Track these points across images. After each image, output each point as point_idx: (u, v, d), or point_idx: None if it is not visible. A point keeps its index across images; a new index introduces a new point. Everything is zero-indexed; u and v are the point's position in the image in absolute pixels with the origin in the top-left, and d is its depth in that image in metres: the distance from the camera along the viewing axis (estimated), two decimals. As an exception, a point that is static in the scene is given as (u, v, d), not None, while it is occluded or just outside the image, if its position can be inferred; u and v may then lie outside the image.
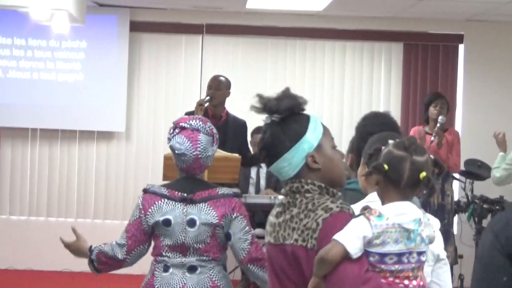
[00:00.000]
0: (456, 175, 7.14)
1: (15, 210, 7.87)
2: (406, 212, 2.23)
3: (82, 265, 8.08)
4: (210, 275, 3.25)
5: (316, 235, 2.21)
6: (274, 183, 7.26)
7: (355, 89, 7.93)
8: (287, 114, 2.39)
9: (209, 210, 3.25)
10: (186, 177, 3.34)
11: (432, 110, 6.77)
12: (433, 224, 2.57)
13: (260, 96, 2.47)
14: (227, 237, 3.28)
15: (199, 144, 3.27)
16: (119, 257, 3.40)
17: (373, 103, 7.93)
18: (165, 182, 3.43)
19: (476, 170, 7.16)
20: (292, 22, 7.83)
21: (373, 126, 2.95)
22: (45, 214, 7.86)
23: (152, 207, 3.28)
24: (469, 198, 7.09)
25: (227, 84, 6.32)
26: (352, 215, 2.24)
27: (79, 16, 6.40)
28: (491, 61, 7.87)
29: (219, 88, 6.22)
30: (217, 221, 3.23)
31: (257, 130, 7.31)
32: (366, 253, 2.16)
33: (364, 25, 7.84)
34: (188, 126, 3.31)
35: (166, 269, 3.28)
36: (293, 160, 2.34)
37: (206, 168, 3.36)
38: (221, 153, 5.27)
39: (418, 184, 2.28)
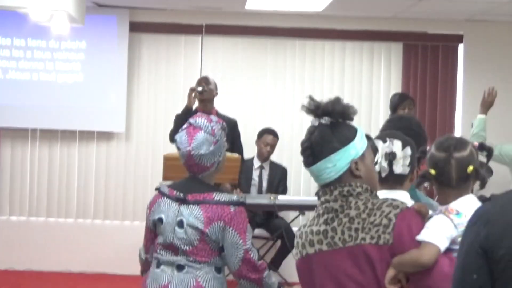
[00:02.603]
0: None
1: (15, 210, 7.87)
2: (474, 205, 2.25)
3: (82, 265, 8.11)
4: (197, 275, 3.24)
5: (390, 230, 2.22)
6: (275, 188, 7.27)
7: (355, 89, 7.93)
8: (338, 119, 2.37)
9: (198, 213, 3.23)
10: (190, 178, 3.35)
11: (401, 113, 6.73)
12: None
13: (312, 98, 2.41)
14: (222, 248, 3.26)
15: (194, 140, 3.26)
16: (143, 257, 3.52)
17: (373, 103, 7.94)
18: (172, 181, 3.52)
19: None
20: (291, 23, 7.83)
21: (396, 129, 2.99)
22: (45, 215, 7.85)
23: (154, 206, 3.35)
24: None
25: (215, 84, 6.56)
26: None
27: (78, 17, 6.40)
28: (491, 61, 7.87)
29: (208, 83, 6.46)
30: (202, 227, 3.21)
31: (265, 131, 7.34)
32: (451, 251, 2.20)
33: (364, 26, 7.84)
34: (193, 122, 3.33)
35: (158, 265, 3.33)
36: (338, 162, 2.33)
37: (205, 169, 3.30)
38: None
39: (469, 178, 2.32)
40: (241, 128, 7.49)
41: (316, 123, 2.38)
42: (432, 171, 2.35)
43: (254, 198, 6.85)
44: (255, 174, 7.33)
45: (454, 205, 2.28)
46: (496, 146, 5.98)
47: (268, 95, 7.86)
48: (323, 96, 8.44)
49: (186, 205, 3.25)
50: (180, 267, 3.26)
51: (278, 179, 7.32)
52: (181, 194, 3.27)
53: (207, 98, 6.41)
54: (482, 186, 2.38)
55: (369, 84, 7.94)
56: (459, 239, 2.15)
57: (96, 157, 7.87)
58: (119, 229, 7.81)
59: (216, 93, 6.54)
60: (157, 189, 3.42)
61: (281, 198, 6.71)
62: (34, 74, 7.72)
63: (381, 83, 7.96)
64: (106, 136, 7.85)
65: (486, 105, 6.13)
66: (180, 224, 3.24)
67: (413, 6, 7.07)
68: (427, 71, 7.90)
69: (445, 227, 2.19)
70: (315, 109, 2.39)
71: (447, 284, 2.07)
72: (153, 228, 3.37)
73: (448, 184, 2.34)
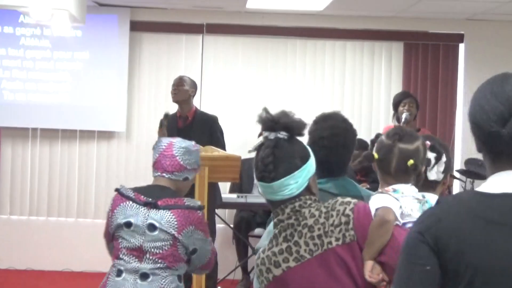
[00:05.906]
0: (457, 175, 7.15)
1: (15, 210, 7.87)
2: (411, 189, 2.37)
3: (82, 265, 8.10)
4: (162, 284, 3.21)
5: (351, 226, 2.23)
6: None
7: (356, 89, 7.93)
8: (295, 134, 2.36)
9: (171, 218, 3.21)
10: (155, 185, 3.33)
11: (401, 110, 6.74)
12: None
13: (267, 111, 2.37)
14: (192, 251, 3.28)
15: (177, 139, 3.35)
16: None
17: (373, 102, 7.94)
18: (136, 186, 3.40)
19: (477, 169, 7.15)
20: (292, 22, 7.82)
21: (323, 129, 2.96)
22: (46, 214, 7.85)
23: (118, 208, 3.28)
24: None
25: (191, 83, 6.51)
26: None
27: (79, 16, 6.39)
28: (491, 60, 7.86)
29: (181, 84, 6.44)
30: (176, 232, 3.21)
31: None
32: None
33: (365, 25, 7.84)
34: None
35: (119, 273, 3.25)
36: (300, 179, 2.32)
37: (177, 167, 3.31)
38: (221, 152, 5.28)
39: (408, 171, 2.37)
40: (241, 128, 7.48)
41: (273, 137, 2.33)
42: (375, 155, 2.41)
43: (255, 197, 6.86)
44: (257, 174, 7.31)
45: (390, 186, 2.35)
46: None
47: (268, 94, 7.85)
48: (324, 96, 8.42)
49: (156, 210, 3.22)
50: (144, 276, 3.20)
51: None
52: (150, 199, 3.24)
53: (181, 100, 6.39)
54: (417, 182, 2.43)
55: (369, 83, 7.93)
56: (405, 211, 2.26)
57: (96, 156, 7.87)
58: (120, 228, 7.81)
59: (192, 92, 6.46)
60: (117, 190, 3.35)
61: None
62: (35, 73, 7.72)
63: (381, 82, 7.96)
64: (106, 135, 7.85)
65: None
66: (151, 227, 3.21)
67: (414, 5, 7.07)
68: (428, 70, 7.89)
69: (388, 200, 2.26)
70: (272, 123, 2.34)
71: None
72: (113, 231, 3.30)
73: (387, 171, 2.40)
